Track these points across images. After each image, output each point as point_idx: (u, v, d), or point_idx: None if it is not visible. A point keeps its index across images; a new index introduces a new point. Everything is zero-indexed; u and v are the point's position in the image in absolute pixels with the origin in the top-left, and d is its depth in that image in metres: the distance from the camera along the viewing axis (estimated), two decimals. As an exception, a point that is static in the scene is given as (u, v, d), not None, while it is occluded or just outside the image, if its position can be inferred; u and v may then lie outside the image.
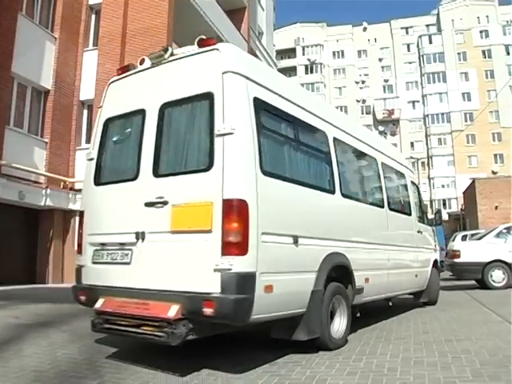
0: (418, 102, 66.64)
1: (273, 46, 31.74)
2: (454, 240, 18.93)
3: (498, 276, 11.12)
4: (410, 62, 68.04)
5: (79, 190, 15.79)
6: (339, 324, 5.05)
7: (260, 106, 4.33)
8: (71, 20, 16.58)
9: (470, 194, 34.77)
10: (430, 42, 66.69)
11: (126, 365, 4.17)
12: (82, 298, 4.73)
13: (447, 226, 39.53)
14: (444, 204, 60.94)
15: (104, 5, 16.78)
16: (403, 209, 7.90)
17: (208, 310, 3.70)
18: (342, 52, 71.14)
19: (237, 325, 4.07)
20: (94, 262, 4.70)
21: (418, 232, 8.29)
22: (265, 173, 4.12)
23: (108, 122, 5.03)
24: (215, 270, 3.75)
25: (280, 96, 4.74)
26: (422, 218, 8.79)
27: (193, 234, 3.96)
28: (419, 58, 67.27)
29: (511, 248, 11.21)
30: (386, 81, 68.81)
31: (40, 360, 4.38)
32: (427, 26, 69.48)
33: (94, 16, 17.54)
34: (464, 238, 18.78)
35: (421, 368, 3.91)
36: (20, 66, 14.20)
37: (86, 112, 16.89)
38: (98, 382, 3.70)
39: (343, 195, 5.48)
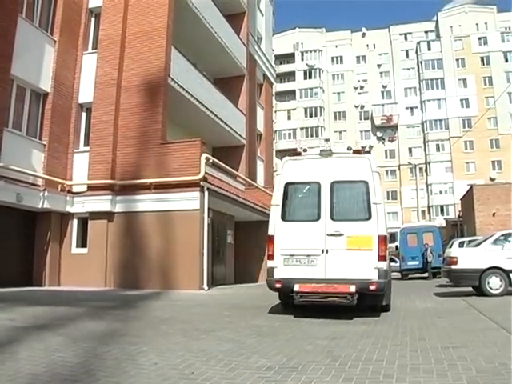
0: (417, 107, 66.89)
1: (272, 51, 31.85)
2: (451, 246, 18.96)
3: (495, 283, 11.08)
4: (409, 68, 68.31)
5: (77, 193, 15.83)
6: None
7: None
8: (71, 23, 16.59)
9: (467, 200, 34.82)
10: (429, 49, 66.96)
11: (123, 367, 4.16)
12: (278, 285, 7.81)
13: (445, 233, 39.56)
14: (442, 210, 61.11)
15: (104, 8, 16.87)
16: None
17: (372, 287, 7.36)
18: (341, 57, 71.37)
19: (380, 294, 7.66)
20: (285, 265, 7.85)
21: None
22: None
23: (288, 184, 8.19)
24: (375, 268, 7.43)
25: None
26: None
27: (360, 251, 7.54)
28: (418, 64, 67.54)
29: (508, 255, 11.18)
30: (384, 87, 69.02)
31: (35, 363, 4.36)
32: (426, 32, 69.79)
33: (93, 19, 17.54)
34: (461, 244, 18.80)
35: (417, 375, 3.90)
36: (19, 69, 14.20)
37: (84, 115, 16.85)
38: (93, 386, 3.68)
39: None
